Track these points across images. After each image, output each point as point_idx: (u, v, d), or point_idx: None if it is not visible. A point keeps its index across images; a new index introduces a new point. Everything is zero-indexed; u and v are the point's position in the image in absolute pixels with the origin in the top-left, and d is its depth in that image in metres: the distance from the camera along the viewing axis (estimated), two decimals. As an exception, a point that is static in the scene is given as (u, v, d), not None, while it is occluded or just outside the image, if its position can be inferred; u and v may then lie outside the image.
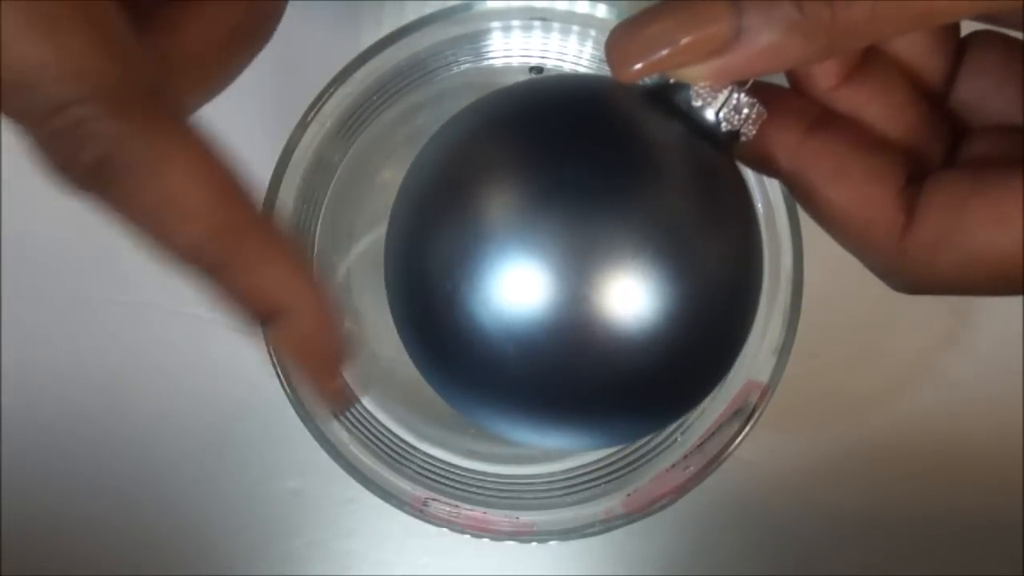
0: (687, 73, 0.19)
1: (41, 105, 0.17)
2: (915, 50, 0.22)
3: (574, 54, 0.31)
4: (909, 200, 0.20)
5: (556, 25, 0.30)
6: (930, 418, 0.38)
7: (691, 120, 0.20)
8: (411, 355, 0.22)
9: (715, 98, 0.20)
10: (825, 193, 0.21)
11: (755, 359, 0.30)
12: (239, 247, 0.18)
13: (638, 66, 0.19)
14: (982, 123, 0.22)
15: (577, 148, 0.20)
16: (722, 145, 0.21)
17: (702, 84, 0.20)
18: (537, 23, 0.30)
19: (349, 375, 0.33)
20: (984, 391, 0.38)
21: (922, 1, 0.18)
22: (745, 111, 0.20)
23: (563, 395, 0.20)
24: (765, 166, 0.21)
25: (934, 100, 0.22)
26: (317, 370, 0.21)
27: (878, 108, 0.21)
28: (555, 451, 0.33)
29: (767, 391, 0.29)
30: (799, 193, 0.21)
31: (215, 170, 0.18)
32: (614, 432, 0.22)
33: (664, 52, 0.19)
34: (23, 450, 0.38)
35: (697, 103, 0.20)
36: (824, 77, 0.21)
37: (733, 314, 0.21)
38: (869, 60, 0.21)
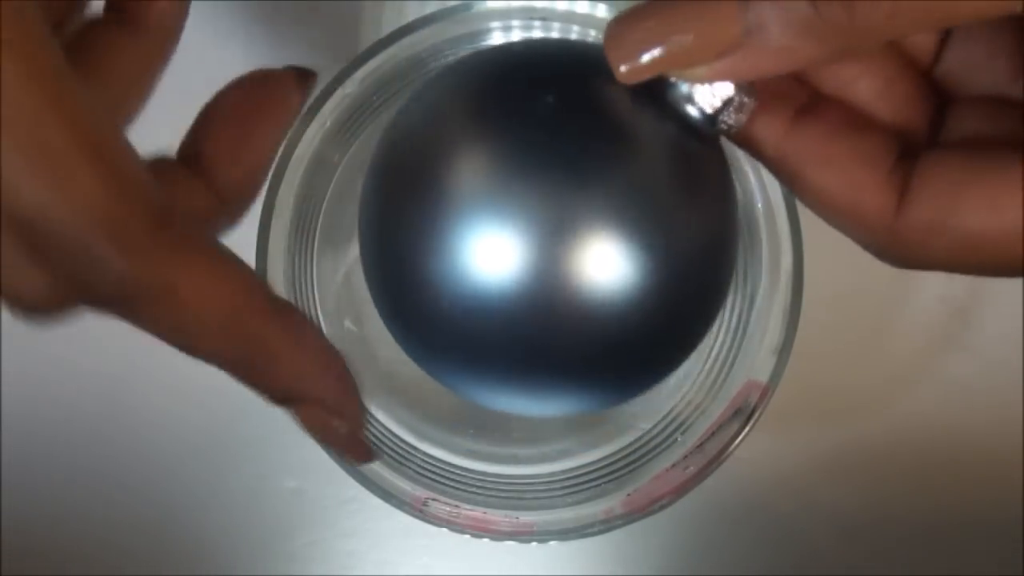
0: (689, 74, 0.19)
1: (51, 249, 0.17)
2: None
3: (574, 54, 0.31)
4: (900, 181, 0.20)
5: (556, 25, 0.30)
6: (930, 418, 0.38)
7: (671, 99, 0.20)
8: (388, 327, 0.22)
9: (709, 93, 0.20)
10: (813, 179, 0.20)
11: (755, 359, 0.30)
12: (259, 347, 0.20)
13: (639, 66, 0.19)
14: (969, 94, 0.21)
15: (552, 113, 0.19)
16: (707, 132, 0.21)
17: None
18: (537, 23, 0.30)
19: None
20: (984, 391, 0.38)
21: (944, 1, 0.17)
22: (726, 95, 0.20)
23: (541, 361, 0.20)
24: (749, 150, 0.21)
25: (922, 71, 0.22)
26: (340, 445, 0.22)
27: (868, 82, 0.21)
28: (553, 448, 0.33)
29: (767, 391, 0.29)
30: (785, 178, 0.21)
31: (226, 281, 0.19)
32: (591, 397, 0.22)
33: (667, 53, 0.18)
34: (23, 450, 0.38)
35: (674, 82, 0.20)
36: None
37: (707, 282, 0.21)
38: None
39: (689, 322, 0.22)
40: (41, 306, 0.18)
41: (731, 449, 0.29)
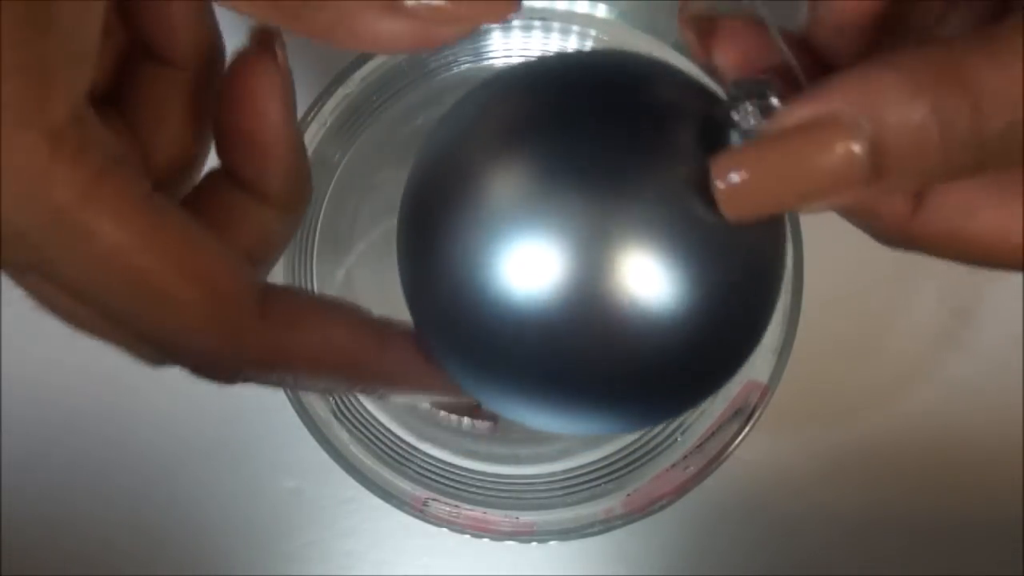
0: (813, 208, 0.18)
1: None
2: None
3: (574, 54, 0.31)
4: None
5: (556, 25, 0.30)
6: (930, 418, 0.38)
7: (720, 122, 0.19)
8: (430, 339, 0.22)
9: (759, 119, 0.19)
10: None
11: (755, 359, 0.30)
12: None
13: (750, 215, 0.18)
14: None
15: (594, 124, 0.19)
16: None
17: (753, 107, 0.19)
18: (537, 23, 0.30)
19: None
20: (984, 391, 0.38)
21: None
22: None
23: (581, 378, 0.20)
24: None
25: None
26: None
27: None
28: (553, 448, 0.33)
29: (767, 391, 0.29)
30: None
31: (330, 326, 0.21)
32: (632, 416, 0.22)
33: (782, 207, 0.18)
34: (23, 450, 0.38)
35: (739, 120, 0.19)
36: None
37: (753, 300, 0.21)
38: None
39: (733, 341, 0.21)
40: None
41: (731, 449, 0.29)
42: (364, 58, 0.29)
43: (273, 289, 0.20)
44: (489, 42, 0.31)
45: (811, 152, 0.17)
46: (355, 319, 0.21)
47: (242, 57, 0.19)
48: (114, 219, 0.17)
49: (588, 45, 0.31)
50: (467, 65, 0.31)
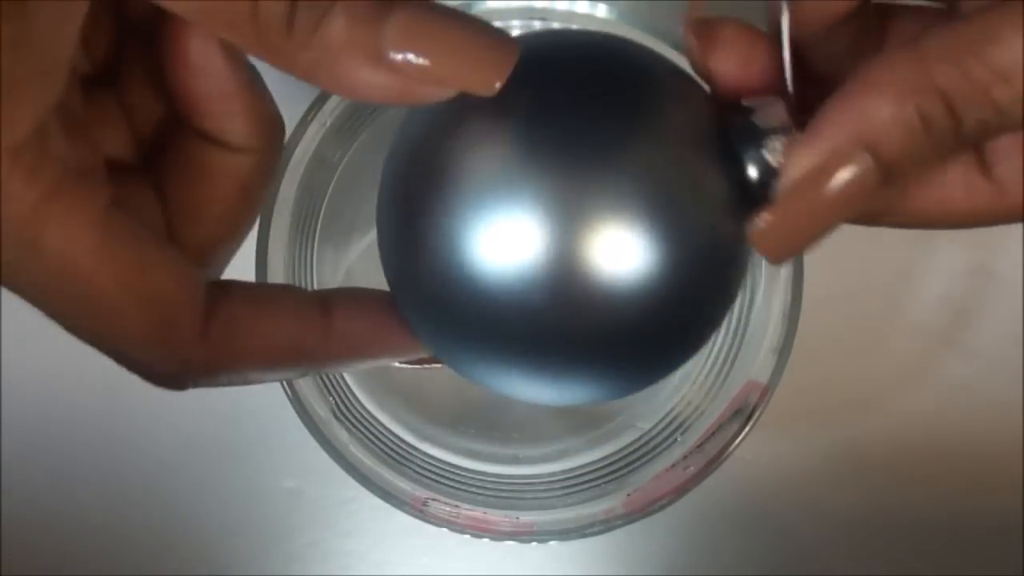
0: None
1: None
2: None
3: (574, 54, 0.31)
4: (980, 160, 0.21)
5: (556, 25, 0.30)
6: (930, 418, 0.38)
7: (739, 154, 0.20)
8: (404, 312, 0.22)
9: (775, 155, 0.20)
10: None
11: (755, 359, 0.30)
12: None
13: (791, 256, 0.20)
14: None
15: (572, 97, 0.19)
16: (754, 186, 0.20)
17: (780, 144, 0.20)
18: (537, 23, 0.30)
19: (350, 375, 0.33)
20: (984, 391, 0.38)
21: None
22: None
23: (555, 346, 0.20)
24: None
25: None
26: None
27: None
28: (553, 448, 0.33)
29: (767, 391, 0.29)
30: None
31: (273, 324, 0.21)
32: (605, 385, 0.22)
33: (822, 232, 0.19)
34: (23, 450, 0.38)
35: (764, 155, 0.20)
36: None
37: (723, 271, 0.21)
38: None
39: (704, 311, 0.22)
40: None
41: (731, 449, 0.29)
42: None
43: (217, 292, 0.20)
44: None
45: (827, 191, 0.19)
46: (298, 307, 0.21)
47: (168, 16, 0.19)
48: (62, 236, 0.17)
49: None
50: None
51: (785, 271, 0.29)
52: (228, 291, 0.20)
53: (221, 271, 0.22)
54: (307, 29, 0.17)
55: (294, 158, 0.29)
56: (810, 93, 0.20)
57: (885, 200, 0.20)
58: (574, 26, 0.30)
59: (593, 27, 0.30)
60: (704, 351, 0.32)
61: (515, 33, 0.31)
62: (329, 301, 0.21)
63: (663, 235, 0.19)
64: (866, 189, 0.18)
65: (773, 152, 0.20)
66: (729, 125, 0.20)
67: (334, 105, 0.29)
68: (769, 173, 0.20)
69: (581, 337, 0.20)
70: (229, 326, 0.20)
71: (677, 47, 0.28)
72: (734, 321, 0.31)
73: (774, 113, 0.20)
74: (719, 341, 0.32)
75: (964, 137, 0.18)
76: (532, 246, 0.19)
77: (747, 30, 0.20)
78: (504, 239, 0.19)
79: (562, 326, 0.20)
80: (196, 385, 0.20)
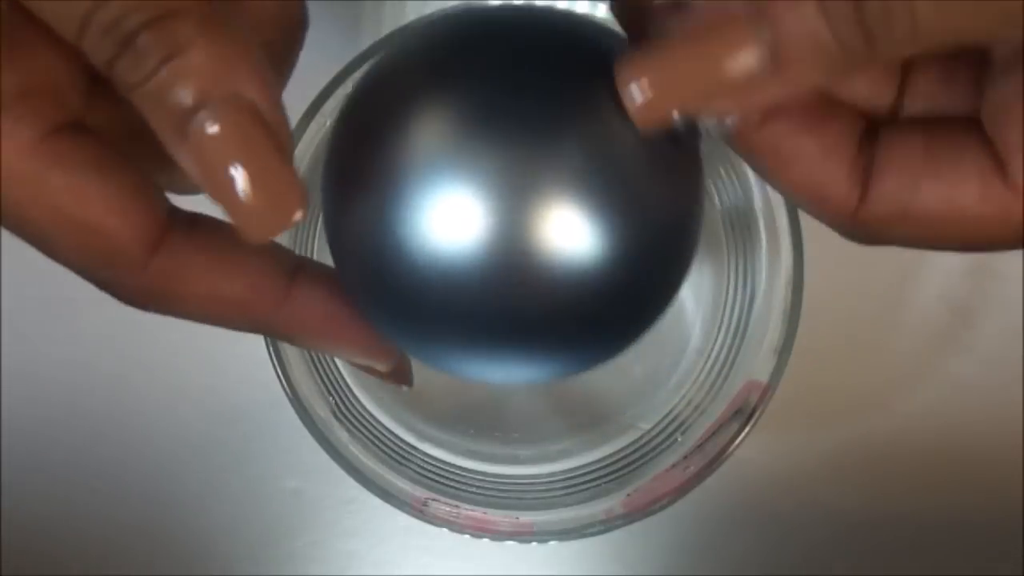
0: (716, 109, 0.19)
1: None
2: None
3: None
4: (862, 171, 0.20)
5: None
6: (930, 418, 0.38)
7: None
8: (351, 294, 0.22)
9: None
10: (780, 177, 0.20)
11: (755, 359, 0.30)
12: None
13: (657, 116, 0.18)
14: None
15: (516, 75, 0.19)
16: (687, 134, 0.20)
17: None
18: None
19: (350, 374, 0.33)
20: (984, 391, 0.38)
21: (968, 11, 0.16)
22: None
23: (505, 327, 0.20)
24: (728, 144, 0.21)
25: None
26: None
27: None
28: (553, 448, 0.33)
29: (767, 391, 0.29)
30: (761, 175, 0.21)
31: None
32: (557, 363, 0.22)
33: (685, 102, 0.18)
34: (23, 450, 0.38)
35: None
36: None
37: (672, 249, 0.21)
38: None
39: (655, 288, 0.21)
40: None
41: (731, 449, 0.29)
42: (364, 58, 0.29)
43: (179, 227, 0.19)
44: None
45: (712, 48, 0.17)
46: (261, 269, 0.20)
47: None
48: None
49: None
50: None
51: (785, 271, 0.29)
52: (194, 230, 0.20)
53: None
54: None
55: (294, 158, 0.29)
56: None
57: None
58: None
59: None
60: (704, 351, 0.32)
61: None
62: (300, 273, 0.21)
63: (612, 210, 0.19)
64: (753, 63, 0.17)
65: None
66: None
67: (334, 105, 0.29)
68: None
69: (531, 317, 0.20)
70: (171, 266, 0.19)
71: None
72: (734, 321, 0.31)
73: None
74: (719, 341, 0.32)
75: (870, 33, 0.17)
76: (477, 224, 0.19)
77: None
78: (449, 217, 0.19)
79: (511, 306, 0.20)
80: (145, 310, 0.20)
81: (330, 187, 0.21)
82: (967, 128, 0.19)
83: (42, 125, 0.18)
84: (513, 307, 0.20)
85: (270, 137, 0.18)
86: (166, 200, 0.20)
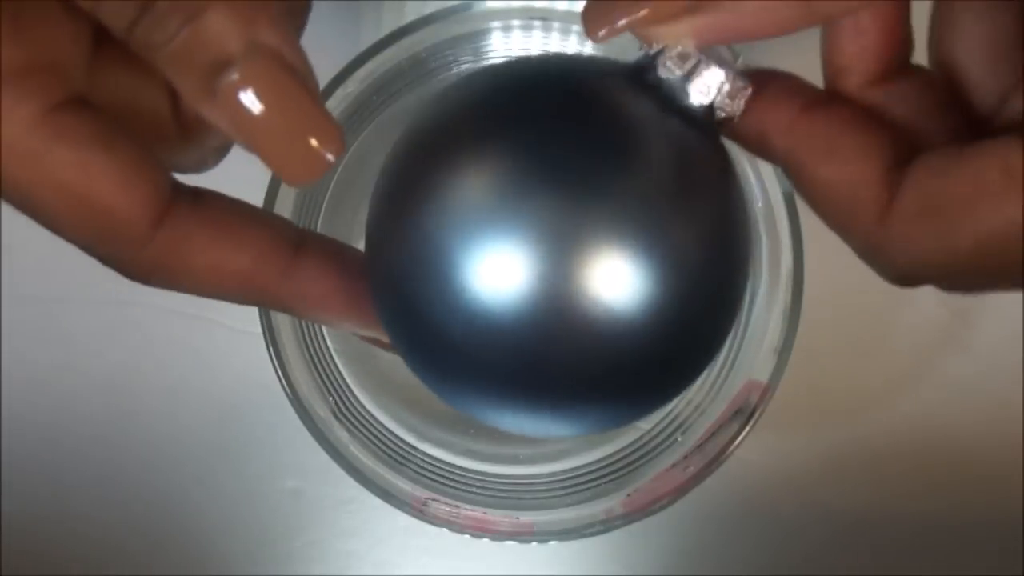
0: (660, 32, 0.19)
1: None
2: (976, 66, 0.20)
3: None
4: (897, 177, 0.19)
5: (556, 25, 0.30)
6: (930, 418, 0.38)
7: (666, 96, 0.20)
8: (395, 345, 0.22)
9: (681, 68, 0.20)
10: (814, 170, 0.20)
11: (755, 359, 0.30)
12: None
13: (608, 27, 0.19)
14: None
15: (557, 128, 0.19)
16: (703, 123, 0.20)
17: (668, 55, 0.20)
18: (537, 23, 0.30)
19: (350, 374, 0.33)
20: (984, 391, 0.38)
21: None
22: (720, 85, 0.20)
23: (551, 381, 0.20)
24: (760, 146, 0.21)
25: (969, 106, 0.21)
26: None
27: (905, 109, 0.21)
28: (553, 448, 0.33)
29: (767, 391, 0.29)
30: (792, 173, 0.21)
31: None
32: (604, 417, 0.22)
33: (634, 13, 0.19)
34: (23, 450, 0.38)
35: (663, 75, 0.20)
36: (859, 75, 0.21)
37: (721, 294, 0.21)
38: (912, 69, 0.21)
39: (703, 337, 0.21)
40: None
41: (731, 449, 0.29)
42: (364, 58, 0.29)
43: (184, 201, 0.19)
44: (489, 42, 0.31)
45: None
46: (267, 243, 0.20)
47: None
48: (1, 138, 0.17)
49: (588, 45, 0.31)
50: (467, 65, 0.31)
51: (785, 271, 0.29)
52: (197, 204, 0.20)
53: (230, 143, 0.21)
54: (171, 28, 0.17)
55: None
56: None
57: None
58: (574, 27, 0.30)
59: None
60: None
61: (515, 33, 0.31)
62: (305, 246, 0.21)
63: (657, 262, 0.19)
64: None
65: (674, 63, 0.20)
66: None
67: (334, 105, 0.29)
68: (701, 104, 0.20)
69: (577, 368, 0.20)
70: (176, 239, 0.19)
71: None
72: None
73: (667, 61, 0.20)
74: (719, 341, 0.32)
75: None
76: (522, 275, 0.19)
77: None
78: (494, 268, 0.19)
79: (557, 357, 0.19)
80: (149, 284, 0.20)
81: (376, 241, 0.21)
82: (1002, 142, 0.18)
83: (45, 100, 0.18)
84: (561, 359, 0.19)
85: (299, 81, 0.18)
86: (169, 174, 0.20)
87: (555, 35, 0.31)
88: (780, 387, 0.29)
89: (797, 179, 0.21)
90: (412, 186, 0.20)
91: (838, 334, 0.37)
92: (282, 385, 0.29)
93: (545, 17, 0.30)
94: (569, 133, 0.19)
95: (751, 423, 0.29)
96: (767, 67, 0.21)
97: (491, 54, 0.31)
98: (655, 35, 0.20)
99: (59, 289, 0.37)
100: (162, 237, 0.19)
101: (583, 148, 0.19)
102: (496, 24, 0.30)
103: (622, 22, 0.19)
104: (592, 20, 0.20)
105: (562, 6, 0.29)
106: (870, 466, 0.38)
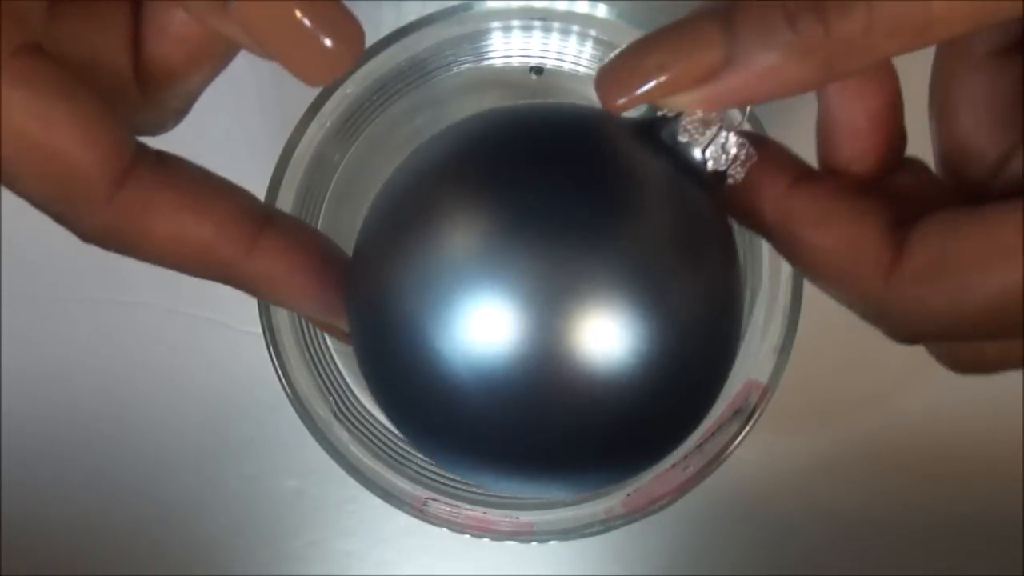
0: (678, 100, 0.19)
1: None
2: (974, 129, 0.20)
3: (574, 54, 0.31)
4: (898, 237, 0.19)
5: (556, 25, 0.30)
6: (930, 418, 0.38)
7: (677, 157, 0.20)
8: (379, 403, 0.21)
9: (703, 135, 0.20)
10: (811, 239, 0.20)
11: (755, 359, 0.30)
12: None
13: (627, 96, 0.19)
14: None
15: (551, 178, 0.19)
16: (707, 185, 0.20)
17: (690, 119, 0.20)
18: (537, 23, 0.30)
19: (350, 374, 0.33)
20: (984, 391, 0.38)
21: (920, 11, 0.17)
22: (733, 151, 0.20)
23: (538, 440, 0.19)
24: (750, 216, 0.21)
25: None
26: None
27: (900, 185, 0.21)
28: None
29: (767, 391, 0.29)
30: (783, 245, 0.21)
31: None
32: (596, 477, 0.21)
33: (654, 81, 0.19)
34: (23, 450, 0.38)
35: (683, 139, 0.20)
36: (856, 174, 0.21)
37: (711, 355, 0.20)
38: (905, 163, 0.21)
39: (697, 393, 0.21)
40: None
41: (731, 449, 0.29)
42: (364, 58, 0.29)
43: (148, 163, 0.19)
44: (489, 42, 0.31)
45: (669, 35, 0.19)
46: (231, 216, 0.20)
47: None
48: None
49: (588, 45, 0.31)
50: (467, 65, 0.31)
51: (785, 271, 0.29)
52: (161, 167, 0.19)
53: (189, 103, 0.21)
54: None
55: (294, 158, 0.29)
56: None
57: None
58: (574, 27, 0.30)
59: (593, 27, 0.30)
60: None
61: (515, 33, 0.31)
62: (270, 223, 0.20)
63: (648, 315, 0.18)
64: (703, 34, 0.18)
65: (692, 127, 0.20)
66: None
67: (334, 105, 0.29)
68: (710, 160, 0.20)
69: (568, 427, 0.19)
70: (137, 202, 0.19)
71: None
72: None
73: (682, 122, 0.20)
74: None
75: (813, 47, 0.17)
76: (512, 331, 0.18)
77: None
78: (483, 324, 0.18)
79: (547, 417, 0.19)
80: (105, 248, 0.19)
81: (359, 295, 0.21)
82: (1010, 204, 0.18)
83: (4, 44, 0.17)
84: (552, 419, 0.19)
85: None
86: (132, 134, 0.19)
87: (555, 35, 0.31)
88: (780, 387, 0.29)
89: (791, 250, 0.20)
90: (398, 240, 0.19)
91: (837, 334, 0.37)
92: (282, 385, 0.29)
93: (545, 17, 0.30)
94: (561, 183, 0.19)
95: (751, 423, 0.29)
96: (755, 133, 0.21)
97: (491, 54, 0.31)
98: (673, 103, 0.19)
99: (59, 289, 0.37)
100: (122, 199, 0.18)
101: (576, 199, 0.19)
102: (496, 24, 0.30)
103: (641, 91, 0.19)
104: (608, 89, 0.19)
105: (562, 6, 0.29)
106: (870, 465, 0.38)
